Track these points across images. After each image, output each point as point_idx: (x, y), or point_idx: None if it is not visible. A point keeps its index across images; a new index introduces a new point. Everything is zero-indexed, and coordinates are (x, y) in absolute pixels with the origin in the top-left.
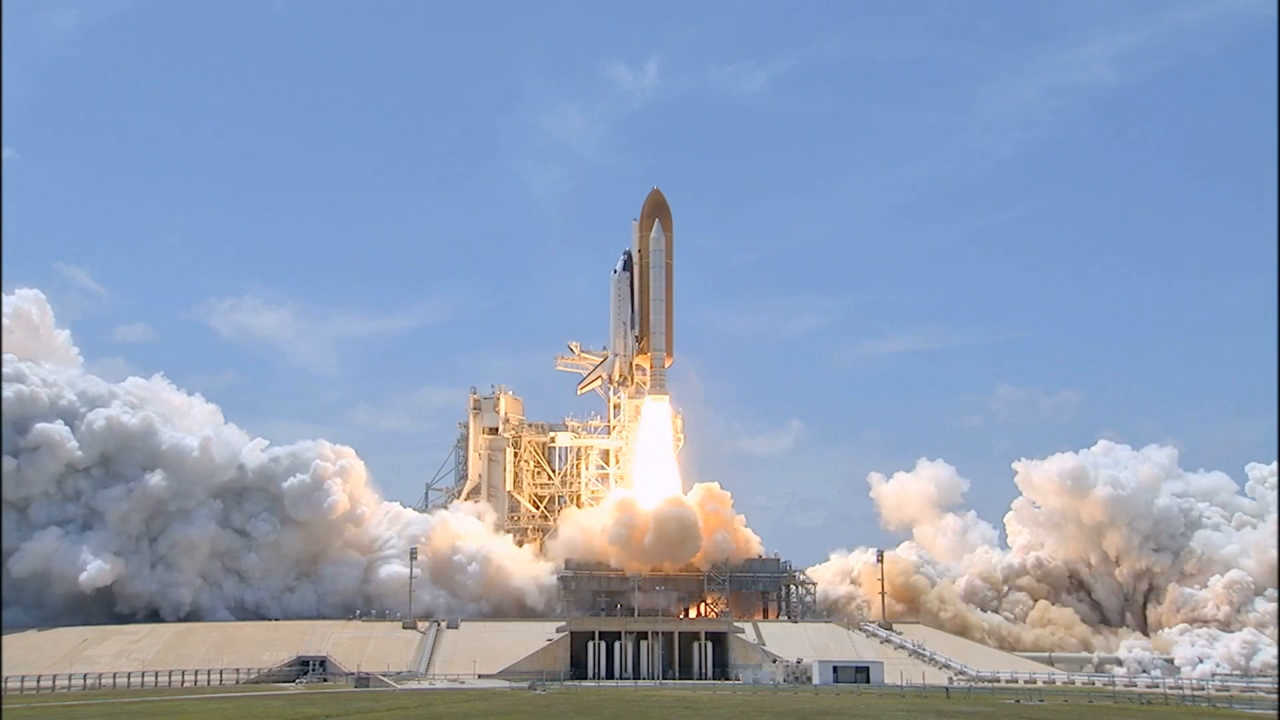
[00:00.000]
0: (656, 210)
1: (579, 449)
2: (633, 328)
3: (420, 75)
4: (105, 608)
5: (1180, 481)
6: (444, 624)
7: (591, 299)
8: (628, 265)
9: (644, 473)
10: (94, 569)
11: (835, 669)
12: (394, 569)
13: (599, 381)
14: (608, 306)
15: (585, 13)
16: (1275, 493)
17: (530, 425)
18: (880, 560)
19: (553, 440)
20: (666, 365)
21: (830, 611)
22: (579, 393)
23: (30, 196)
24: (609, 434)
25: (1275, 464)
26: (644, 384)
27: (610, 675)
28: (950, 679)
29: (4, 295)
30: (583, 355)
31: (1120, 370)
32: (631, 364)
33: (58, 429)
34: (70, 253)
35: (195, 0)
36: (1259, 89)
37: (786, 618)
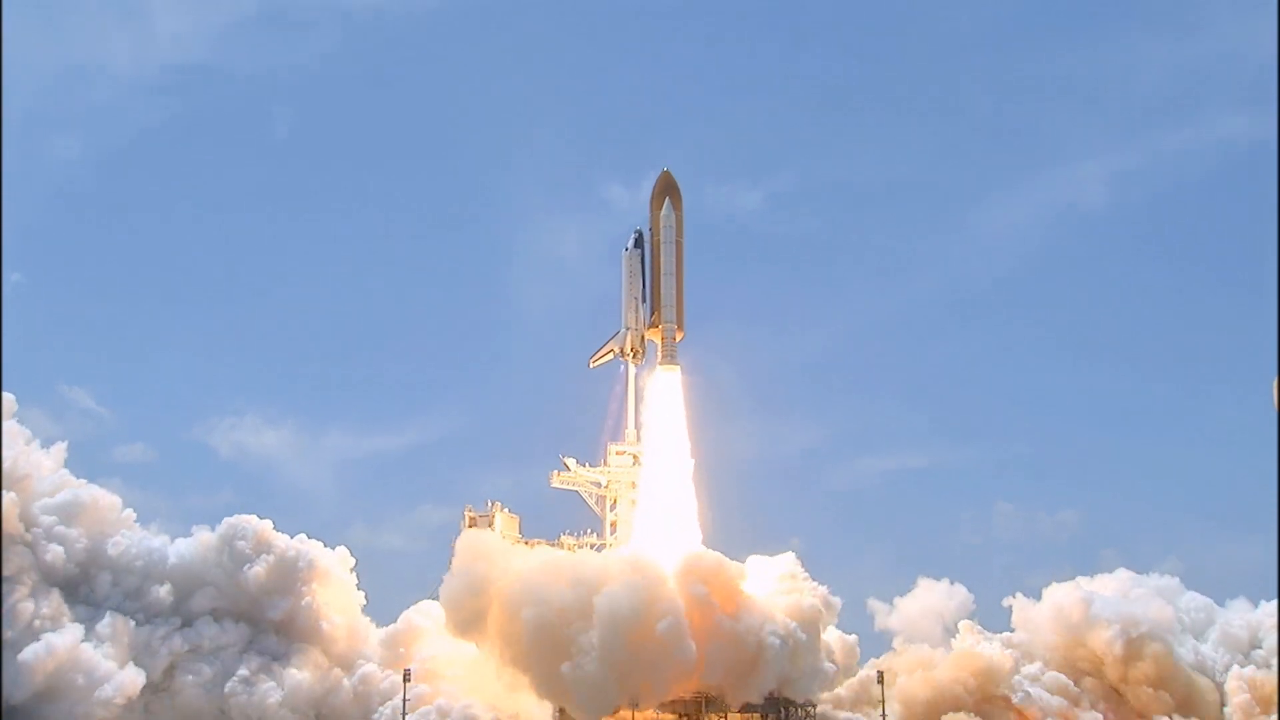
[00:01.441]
0: (667, 189)
1: None
2: (644, 301)
3: (417, 194)
4: None
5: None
6: None
7: (587, 414)
8: (639, 243)
9: (653, 448)
10: None
11: None
12: None
13: (610, 355)
14: (603, 409)
15: (583, 132)
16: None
17: (526, 543)
18: (881, 681)
19: None
20: (678, 339)
21: None
22: (590, 366)
23: (33, 318)
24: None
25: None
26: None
27: None
28: None
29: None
30: (578, 470)
31: (1121, 486)
32: (643, 336)
33: None
34: (71, 374)
35: (196, 126)
36: (1250, 205)
37: None
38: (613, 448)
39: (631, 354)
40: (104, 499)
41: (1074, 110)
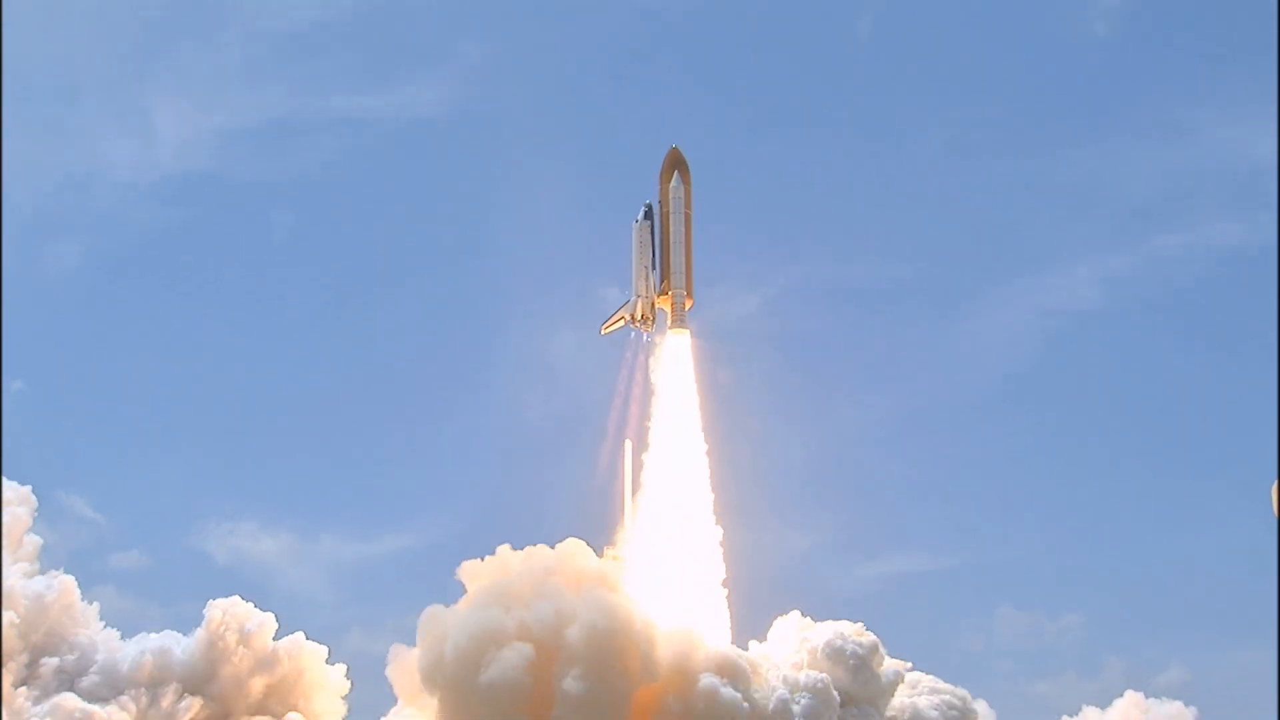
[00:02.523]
0: (675, 165)
1: None
2: (654, 269)
3: (415, 299)
4: None
5: None
6: None
7: (582, 519)
8: (649, 215)
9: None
10: None
11: None
12: None
13: (622, 322)
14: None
15: (576, 234)
16: None
17: None
18: None
19: None
20: (687, 307)
21: None
22: (602, 333)
23: (36, 426)
24: None
25: None
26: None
27: None
28: None
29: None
30: None
31: (1123, 590)
32: (653, 304)
33: None
34: (67, 481)
35: (196, 232)
36: (1246, 309)
37: None
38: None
39: (642, 320)
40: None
41: (1066, 213)
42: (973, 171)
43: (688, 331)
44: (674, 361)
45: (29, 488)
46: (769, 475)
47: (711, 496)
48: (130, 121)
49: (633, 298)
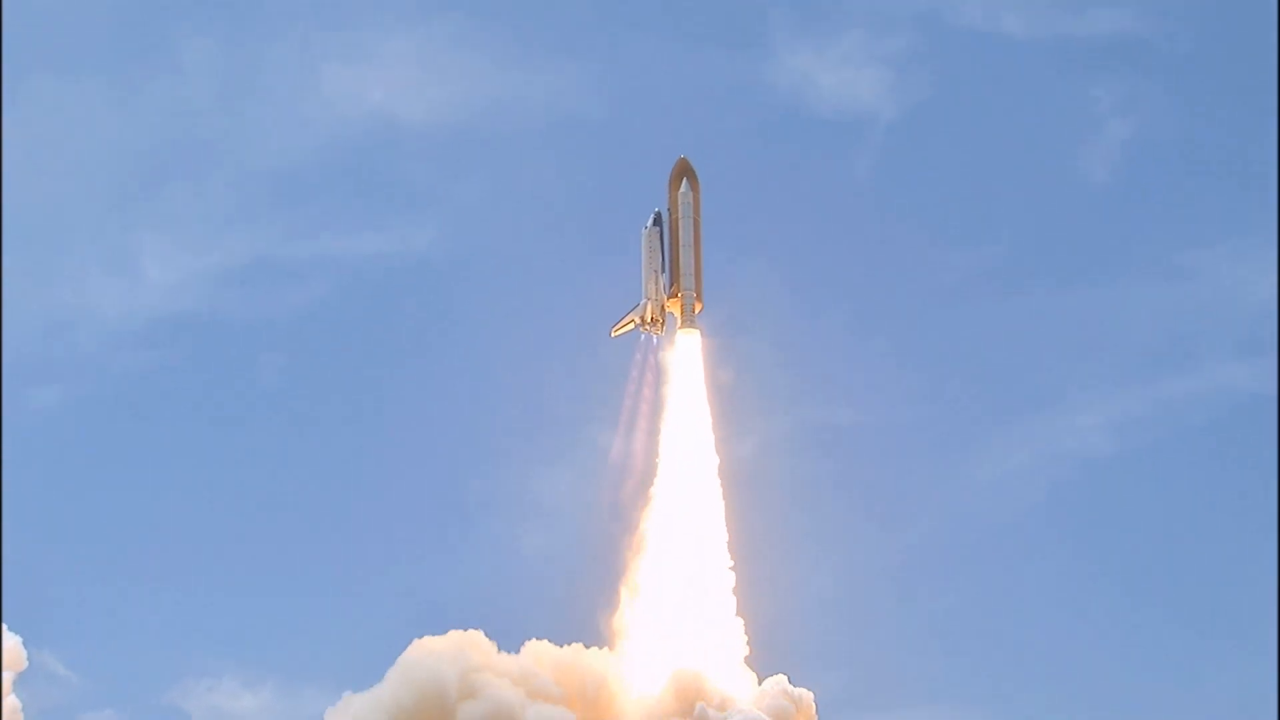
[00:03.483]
0: (684, 173)
1: None
2: (663, 272)
3: (406, 445)
4: None
5: None
6: None
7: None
8: (658, 221)
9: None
10: None
11: None
12: None
13: (631, 324)
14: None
15: (571, 378)
16: None
17: None
18: None
19: None
20: (697, 310)
21: None
22: (612, 335)
23: (10, 578)
24: None
25: None
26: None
27: None
28: None
29: None
30: None
31: None
32: (663, 306)
33: None
34: (39, 636)
35: (182, 375)
36: (1250, 458)
37: None
38: None
39: (652, 323)
40: None
41: (1072, 357)
42: (973, 315)
43: (698, 331)
44: (683, 364)
45: (19, 639)
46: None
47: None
48: (117, 262)
49: (642, 301)
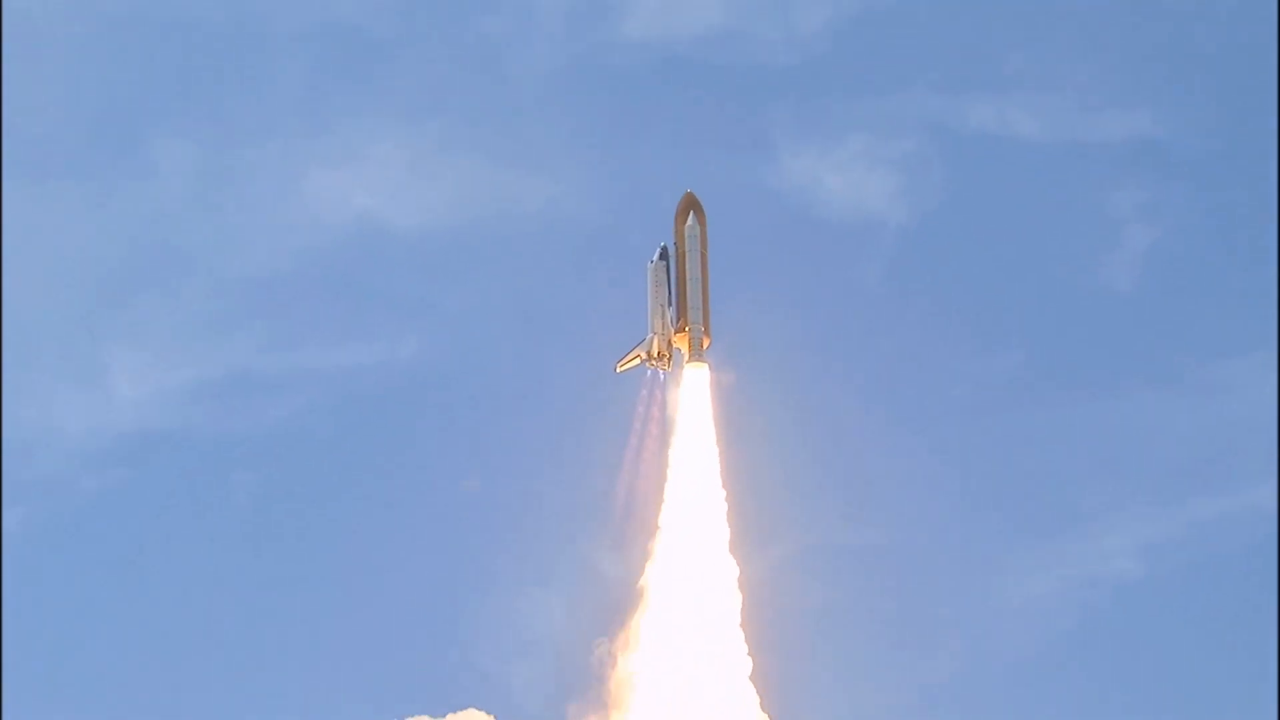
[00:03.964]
0: (690, 206)
1: None
2: (670, 305)
3: (387, 564)
4: None
5: None
6: None
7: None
8: (664, 256)
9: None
10: None
11: None
12: None
13: (637, 360)
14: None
15: (567, 496)
16: None
17: None
18: None
19: None
20: (705, 346)
21: None
22: (617, 371)
23: None
24: None
25: None
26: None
27: None
28: None
29: None
30: None
31: None
32: (670, 341)
33: None
34: None
35: (150, 495)
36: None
37: None
38: None
39: (658, 358)
40: None
41: (1097, 473)
42: (991, 428)
43: (706, 365)
44: (691, 400)
45: None
46: None
47: None
48: (85, 378)
49: (648, 336)
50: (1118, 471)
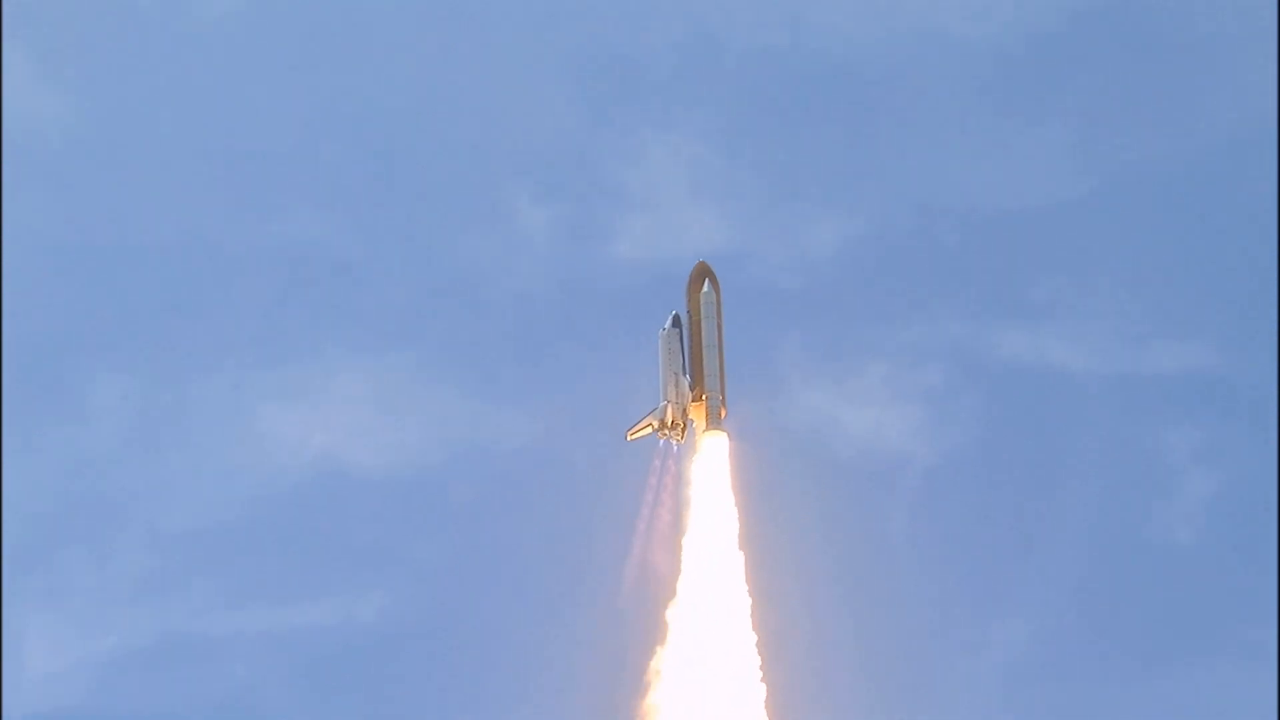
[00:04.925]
0: (704, 275)
1: None
2: (685, 374)
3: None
4: None
5: None
6: None
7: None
8: (677, 323)
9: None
10: None
11: None
12: None
13: (649, 429)
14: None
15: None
16: None
17: None
18: None
19: None
20: (722, 416)
21: None
22: (628, 439)
23: None
24: None
25: None
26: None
27: None
28: None
29: None
30: None
31: None
32: (685, 410)
33: None
34: None
35: None
36: None
37: None
38: None
39: (671, 427)
40: None
41: None
42: (1033, 703)
43: (725, 434)
44: (709, 474)
45: None
46: None
47: None
48: None
49: (661, 404)
50: None
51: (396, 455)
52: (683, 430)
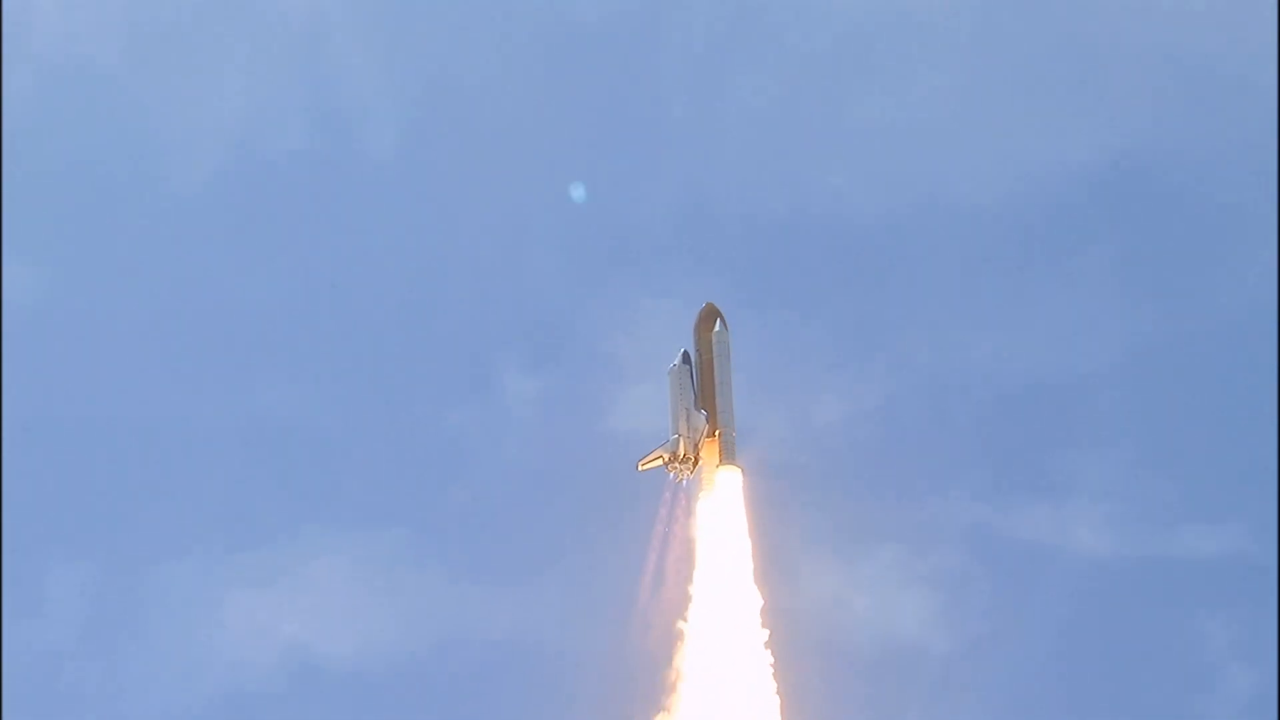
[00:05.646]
0: (712, 315)
1: None
2: (697, 408)
3: None
4: None
5: None
6: None
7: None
8: (686, 360)
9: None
10: None
11: None
12: None
13: (659, 461)
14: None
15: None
16: None
17: None
18: None
19: None
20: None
21: None
22: (639, 469)
23: None
24: None
25: None
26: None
27: None
28: None
29: None
30: None
31: None
32: (697, 444)
33: None
34: None
35: None
36: None
37: None
38: None
39: (683, 461)
40: None
41: None
42: None
43: (739, 469)
44: (722, 512)
45: None
46: None
47: None
48: None
49: (672, 437)
50: None
51: (372, 643)
52: (694, 463)
